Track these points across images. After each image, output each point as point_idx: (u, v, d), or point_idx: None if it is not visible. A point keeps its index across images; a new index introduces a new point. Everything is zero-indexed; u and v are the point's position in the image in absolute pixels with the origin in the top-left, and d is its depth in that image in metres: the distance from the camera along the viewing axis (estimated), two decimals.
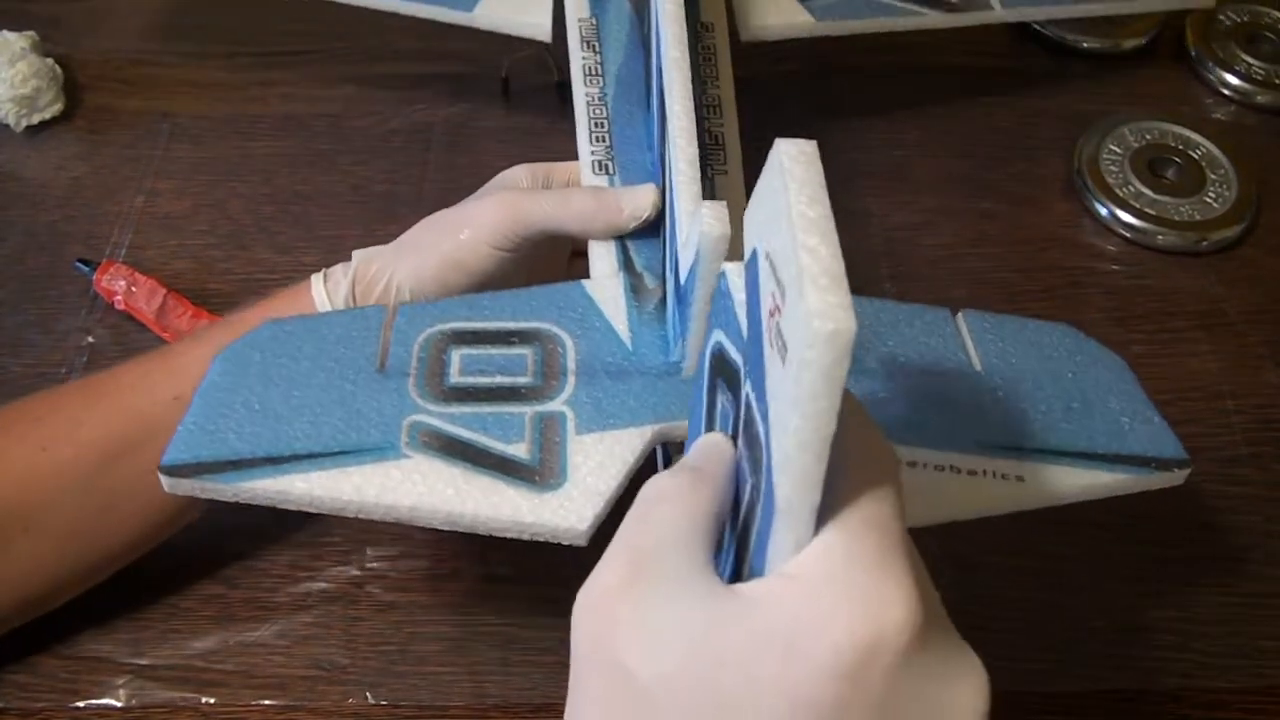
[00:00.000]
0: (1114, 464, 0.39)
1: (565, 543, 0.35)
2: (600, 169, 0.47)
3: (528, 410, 0.38)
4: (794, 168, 0.25)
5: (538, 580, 0.50)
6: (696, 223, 0.34)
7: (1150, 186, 0.65)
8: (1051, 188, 0.67)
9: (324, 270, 0.46)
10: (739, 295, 0.29)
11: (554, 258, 0.49)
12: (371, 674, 0.48)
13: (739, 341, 0.29)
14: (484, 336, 0.40)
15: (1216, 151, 0.67)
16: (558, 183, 0.48)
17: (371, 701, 0.47)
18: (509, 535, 0.36)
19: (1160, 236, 0.63)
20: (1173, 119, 0.68)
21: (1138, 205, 0.64)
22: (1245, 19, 0.74)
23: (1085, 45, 0.73)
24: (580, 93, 0.51)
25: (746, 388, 0.27)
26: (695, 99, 0.43)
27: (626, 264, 0.44)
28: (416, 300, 0.45)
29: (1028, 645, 0.49)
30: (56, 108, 0.68)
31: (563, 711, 0.47)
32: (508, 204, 0.44)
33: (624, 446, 0.37)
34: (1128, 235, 0.64)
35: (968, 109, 0.71)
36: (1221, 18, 0.74)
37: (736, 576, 0.28)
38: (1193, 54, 0.73)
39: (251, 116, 0.69)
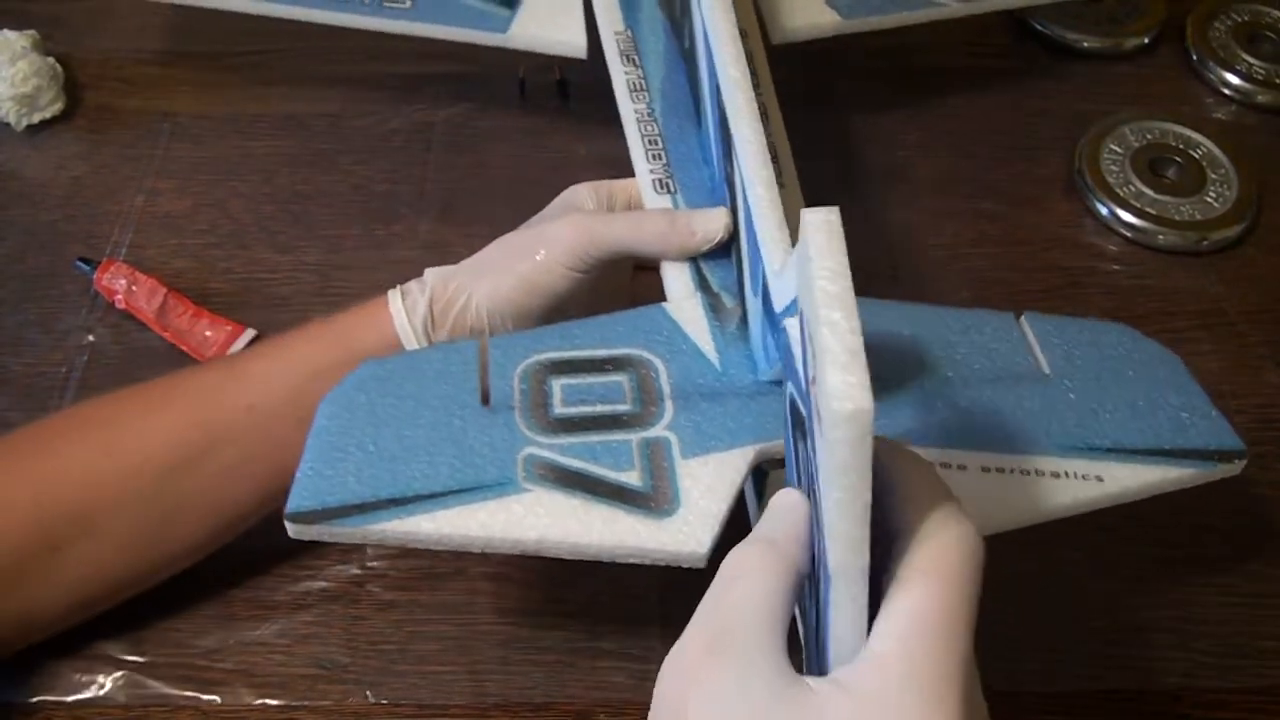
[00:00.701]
0: (1181, 459, 0.40)
1: (685, 566, 0.36)
2: (661, 187, 0.48)
3: (633, 437, 0.38)
4: (815, 238, 0.26)
5: (538, 580, 0.50)
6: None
7: (1151, 186, 0.65)
8: (1052, 188, 0.67)
9: (399, 287, 0.47)
10: (797, 350, 0.30)
11: (620, 275, 0.50)
12: (372, 673, 0.48)
13: (801, 395, 0.29)
14: (580, 365, 0.40)
15: (1217, 151, 0.67)
16: (619, 201, 0.49)
17: (372, 701, 0.47)
18: (630, 562, 0.36)
19: (1161, 236, 0.63)
20: (1173, 119, 0.68)
21: (1138, 205, 0.64)
22: (1245, 19, 0.74)
23: (1085, 45, 0.73)
24: (628, 109, 0.51)
25: (809, 443, 0.28)
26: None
27: (702, 284, 0.44)
28: (494, 320, 0.46)
29: (1028, 645, 0.49)
30: (57, 107, 0.68)
31: (561, 709, 0.48)
32: (582, 227, 0.45)
33: (730, 468, 0.37)
34: (1128, 235, 0.64)
35: (968, 109, 0.70)
36: (1222, 17, 0.74)
37: (817, 632, 0.29)
38: (1193, 54, 0.73)
39: (251, 116, 0.69)
